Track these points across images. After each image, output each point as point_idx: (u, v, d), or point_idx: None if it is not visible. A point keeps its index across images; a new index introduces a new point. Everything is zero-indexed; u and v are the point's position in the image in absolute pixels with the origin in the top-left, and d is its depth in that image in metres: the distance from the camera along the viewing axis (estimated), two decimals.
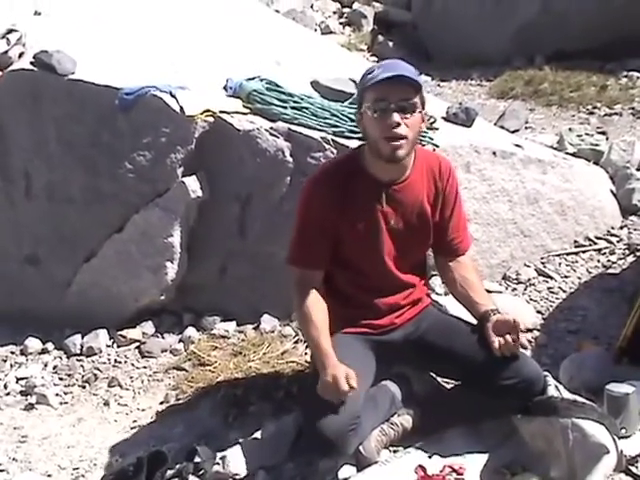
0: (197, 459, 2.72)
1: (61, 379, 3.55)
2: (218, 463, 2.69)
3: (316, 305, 2.69)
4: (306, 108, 3.71)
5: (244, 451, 2.74)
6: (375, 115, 2.54)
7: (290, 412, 2.93)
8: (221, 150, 3.68)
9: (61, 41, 3.89)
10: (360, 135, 2.89)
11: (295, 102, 3.73)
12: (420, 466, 2.60)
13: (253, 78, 3.84)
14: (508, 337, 2.55)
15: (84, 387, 3.49)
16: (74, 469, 2.96)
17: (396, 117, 2.51)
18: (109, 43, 4.02)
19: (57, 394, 3.44)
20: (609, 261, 4.04)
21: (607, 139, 5.20)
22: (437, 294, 3.56)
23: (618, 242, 4.20)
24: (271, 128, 3.64)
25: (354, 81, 3.75)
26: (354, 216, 2.68)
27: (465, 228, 2.93)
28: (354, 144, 3.35)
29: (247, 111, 3.71)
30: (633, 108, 6.29)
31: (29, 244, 3.94)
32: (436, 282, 3.61)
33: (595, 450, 2.46)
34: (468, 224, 3.69)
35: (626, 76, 7.04)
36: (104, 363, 3.62)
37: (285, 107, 3.69)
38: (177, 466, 2.71)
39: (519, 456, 2.62)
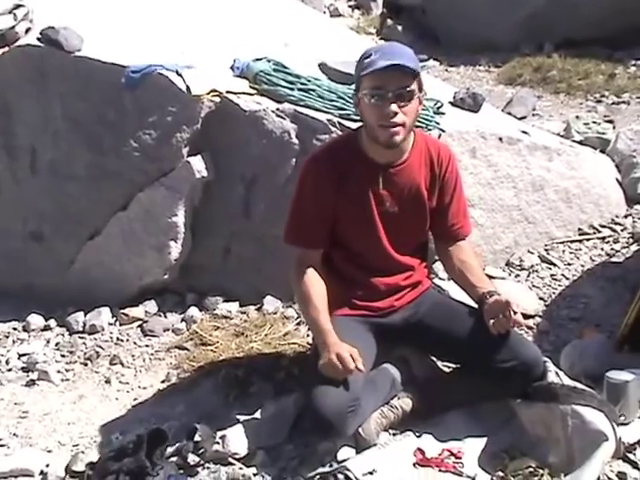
0: (197, 438, 2.72)
1: (63, 356, 3.56)
2: (218, 442, 2.70)
3: (315, 284, 2.70)
4: (313, 90, 3.70)
5: (244, 431, 2.75)
6: (372, 102, 2.53)
7: (290, 393, 2.94)
8: (227, 130, 3.67)
9: (68, 17, 3.86)
10: None
11: (302, 84, 3.72)
12: (419, 449, 2.61)
13: (260, 59, 3.83)
14: (501, 316, 2.55)
15: (86, 364, 3.49)
16: (74, 445, 2.96)
17: (393, 107, 2.51)
18: (116, 20, 4.00)
19: (59, 371, 3.45)
20: (613, 249, 4.04)
21: (614, 127, 5.19)
22: (440, 279, 3.56)
23: (622, 231, 4.19)
24: (277, 109, 3.63)
25: None
26: (349, 197, 2.69)
27: (465, 214, 2.93)
28: None
29: (254, 92, 3.70)
30: None
31: (33, 220, 3.94)
32: (439, 267, 3.59)
33: (594, 437, 2.47)
34: (473, 209, 3.70)
35: (635, 65, 7.01)
36: (106, 341, 3.63)
37: (292, 89, 3.68)
38: (177, 444, 2.72)
39: (518, 441, 2.63)
